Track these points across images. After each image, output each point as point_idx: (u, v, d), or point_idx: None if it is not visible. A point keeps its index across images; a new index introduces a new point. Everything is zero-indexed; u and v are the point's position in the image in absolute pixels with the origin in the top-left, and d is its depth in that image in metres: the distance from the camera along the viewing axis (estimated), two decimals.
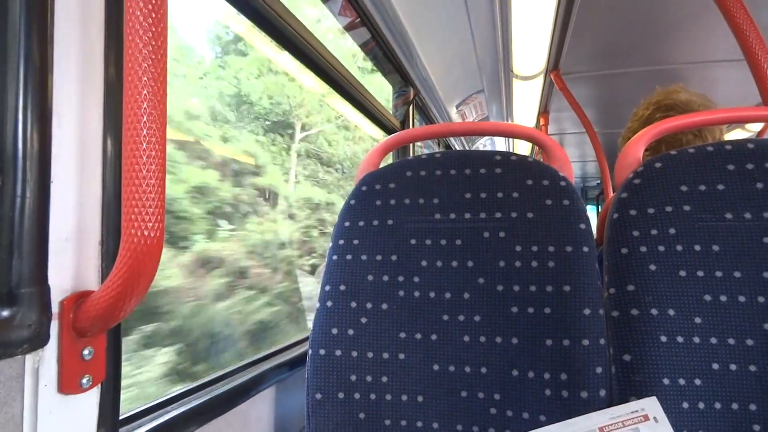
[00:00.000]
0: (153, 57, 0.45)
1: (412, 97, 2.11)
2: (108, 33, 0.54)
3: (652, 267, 0.81)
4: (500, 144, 4.70)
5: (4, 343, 0.44)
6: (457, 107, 2.75)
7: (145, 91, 0.45)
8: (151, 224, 0.45)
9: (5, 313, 0.44)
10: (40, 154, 0.47)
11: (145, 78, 0.45)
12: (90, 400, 0.52)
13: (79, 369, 0.50)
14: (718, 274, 0.79)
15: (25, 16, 0.46)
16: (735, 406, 0.74)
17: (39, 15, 0.47)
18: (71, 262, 0.50)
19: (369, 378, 0.85)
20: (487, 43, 2.19)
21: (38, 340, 0.46)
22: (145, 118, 0.45)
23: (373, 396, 0.84)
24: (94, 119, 0.53)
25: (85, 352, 0.51)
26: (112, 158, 0.54)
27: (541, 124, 3.30)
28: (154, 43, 0.45)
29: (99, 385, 0.53)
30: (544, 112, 3.22)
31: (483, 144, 4.34)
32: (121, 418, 0.58)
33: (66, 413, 0.50)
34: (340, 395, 0.84)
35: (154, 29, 0.44)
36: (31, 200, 0.46)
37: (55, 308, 0.48)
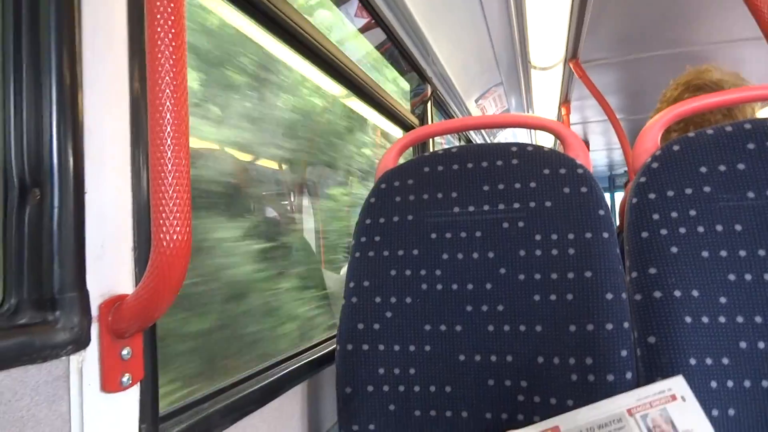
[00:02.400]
0: (174, 70, 0.47)
1: (429, 94, 2.12)
2: (131, 51, 0.58)
3: (674, 249, 0.80)
4: (522, 136, 4.66)
5: (50, 345, 0.47)
6: (476, 101, 2.74)
7: (168, 103, 0.47)
8: (179, 228, 0.48)
9: (50, 317, 0.48)
10: (75, 168, 0.50)
11: (168, 90, 0.47)
12: (131, 398, 0.56)
13: (120, 368, 0.53)
14: (742, 253, 0.78)
15: (56, 39, 0.50)
16: (765, 383, 0.74)
17: (68, 37, 0.51)
18: (107, 267, 0.54)
19: (397, 370, 0.86)
20: (503, 36, 2.18)
21: (81, 342, 0.50)
22: (168, 129, 0.47)
23: (401, 388, 0.86)
24: (122, 132, 0.56)
25: (124, 352, 0.54)
26: (140, 168, 0.57)
27: (563, 114, 3.26)
28: (174, 57, 0.47)
29: (138, 383, 0.56)
30: (565, 101, 3.19)
31: (504, 138, 4.32)
32: (161, 414, 0.61)
33: (110, 410, 0.53)
34: (369, 388, 0.86)
35: (174, 44, 0.47)
36: (67, 211, 0.49)
37: (94, 312, 0.52)
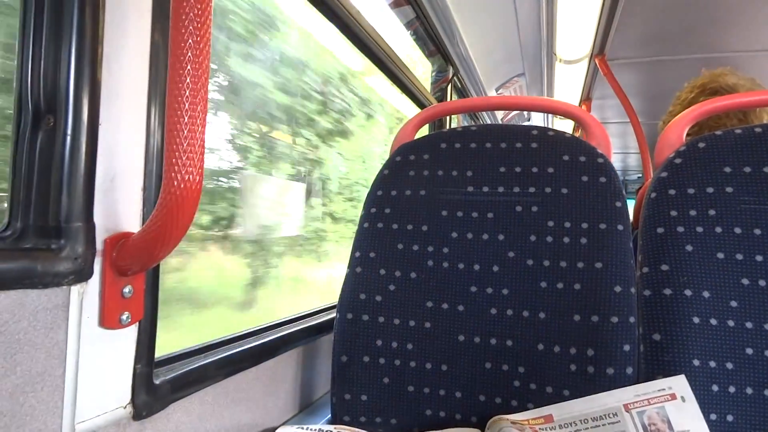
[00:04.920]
0: (198, 6, 0.46)
1: (451, 76, 2.09)
2: None
3: (689, 248, 0.79)
4: None
5: (52, 272, 0.46)
6: (496, 90, 2.71)
7: (190, 40, 0.46)
8: (191, 169, 0.47)
9: (54, 244, 0.47)
10: (90, 98, 0.49)
11: (191, 27, 0.46)
12: (129, 336, 0.55)
13: (120, 306, 0.53)
14: (759, 258, 0.77)
15: None
16: (767, 392, 0.72)
17: None
18: (115, 203, 0.53)
19: (394, 344, 0.86)
20: (530, 24, 2.14)
21: (83, 274, 0.49)
22: (189, 67, 0.46)
23: (397, 362, 0.85)
24: (140, 68, 0.55)
25: (126, 290, 0.53)
26: (156, 107, 0.56)
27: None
28: None
29: (137, 323, 0.56)
30: (586, 99, 3.14)
31: None
32: (156, 359, 0.61)
33: (106, 345, 0.52)
34: (366, 359, 0.86)
35: None
36: (79, 140, 0.48)
37: (99, 246, 0.51)
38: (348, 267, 0.91)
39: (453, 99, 2.19)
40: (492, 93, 2.69)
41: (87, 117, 0.49)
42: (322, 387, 1.04)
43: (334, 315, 0.91)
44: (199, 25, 0.46)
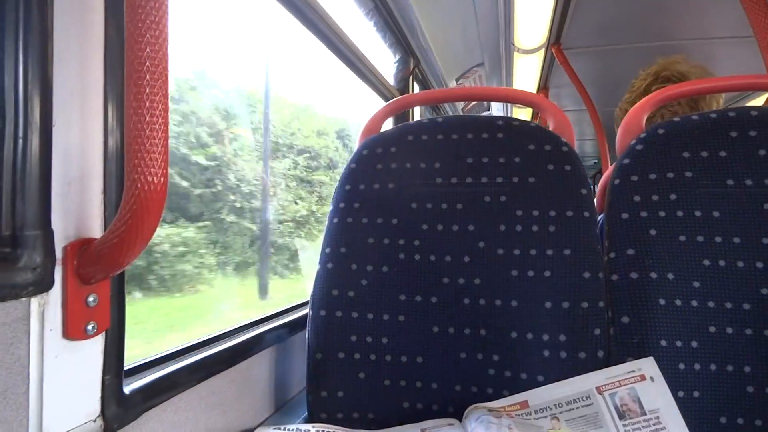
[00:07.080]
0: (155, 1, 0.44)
1: (412, 67, 2.09)
2: None
3: (653, 232, 0.81)
4: None
5: (9, 285, 0.44)
6: (456, 80, 2.72)
7: (148, 35, 0.44)
8: (155, 170, 0.45)
9: (10, 255, 0.44)
10: (41, 97, 0.46)
11: (148, 21, 0.44)
12: (95, 347, 0.53)
13: (84, 315, 0.50)
14: (718, 239, 0.79)
15: None
16: (730, 368, 0.75)
17: None
18: (74, 208, 0.50)
19: (369, 339, 0.85)
20: (488, 14, 2.15)
21: (43, 284, 0.46)
22: (148, 63, 0.44)
23: (372, 356, 0.85)
24: (96, 64, 0.52)
25: (90, 299, 0.51)
26: (115, 104, 0.54)
27: None
28: None
29: (104, 332, 0.53)
30: (543, 87, 3.19)
31: None
32: (125, 368, 0.58)
33: (71, 358, 0.50)
34: (341, 355, 0.85)
35: None
36: (32, 143, 0.45)
37: (58, 253, 0.48)
38: (319, 263, 0.90)
39: (415, 90, 2.19)
40: (452, 83, 2.71)
41: (39, 118, 0.46)
42: (297, 385, 1.02)
43: (306, 312, 0.89)
44: (157, 19, 0.44)
